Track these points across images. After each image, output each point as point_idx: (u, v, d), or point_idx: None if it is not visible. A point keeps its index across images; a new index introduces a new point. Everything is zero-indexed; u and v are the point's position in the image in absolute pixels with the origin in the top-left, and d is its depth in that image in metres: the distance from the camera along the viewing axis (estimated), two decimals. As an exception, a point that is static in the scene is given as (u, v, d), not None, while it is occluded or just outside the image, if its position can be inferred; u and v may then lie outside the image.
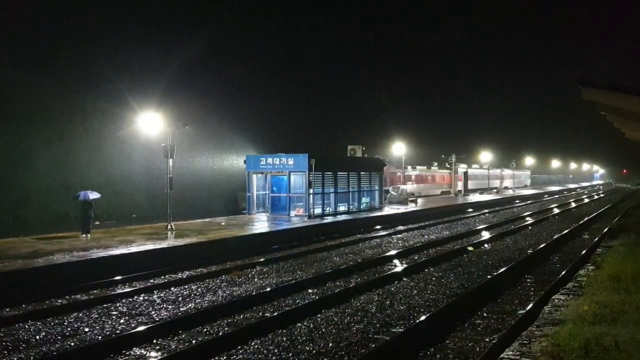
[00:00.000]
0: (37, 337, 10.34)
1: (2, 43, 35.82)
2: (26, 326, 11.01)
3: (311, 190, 28.49)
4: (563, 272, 15.58)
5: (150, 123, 23.10)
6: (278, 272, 16.54)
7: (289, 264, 17.93)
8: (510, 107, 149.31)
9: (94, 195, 20.74)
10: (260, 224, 25.47)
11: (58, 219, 33.42)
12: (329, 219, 28.16)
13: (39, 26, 38.26)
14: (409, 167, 52.00)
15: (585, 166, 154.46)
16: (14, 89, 35.41)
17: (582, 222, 31.46)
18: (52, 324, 11.18)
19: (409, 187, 48.12)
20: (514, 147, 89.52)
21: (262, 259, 18.56)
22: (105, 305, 12.59)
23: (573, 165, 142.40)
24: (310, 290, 13.99)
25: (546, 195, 69.25)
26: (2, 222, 31.47)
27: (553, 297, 11.16)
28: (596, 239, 23.13)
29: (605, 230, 26.15)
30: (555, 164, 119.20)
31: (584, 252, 19.45)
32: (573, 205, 50.06)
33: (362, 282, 14.82)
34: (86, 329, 10.84)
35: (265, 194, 30.43)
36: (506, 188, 73.22)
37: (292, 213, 28.83)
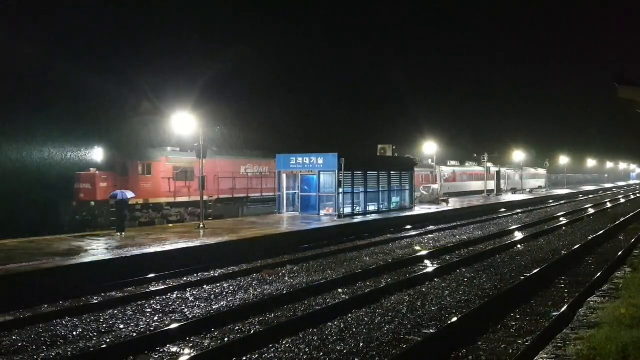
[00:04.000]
0: (74, 333, 10.60)
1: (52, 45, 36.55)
2: (63, 322, 11.29)
3: (341, 190, 28.49)
4: (598, 274, 15.26)
5: (184, 123, 23.44)
6: (308, 271, 16.61)
7: (319, 263, 17.98)
8: (545, 106, 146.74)
9: (129, 194, 21.25)
10: (290, 223, 25.59)
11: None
12: (358, 219, 28.13)
13: (85, 26, 39.01)
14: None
15: (622, 165, 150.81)
16: (61, 85, 35.99)
17: (617, 222, 30.73)
18: (89, 320, 11.45)
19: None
20: (548, 147, 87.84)
21: (292, 258, 18.67)
22: (139, 303, 12.83)
23: (609, 165, 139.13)
24: (340, 290, 14.01)
25: (580, 195, 67.87)
26: (40, 220, 32.19)
27: (588, 299, 10.97)
28: (633, 240, 22.60)
29: (643, 231, 25.52)
30: (591, 163, 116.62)
31: (620, 253, 19.00)
32: (608, 205, 48.94)
33: (392, 282, 14.77)
34: (121, 326, 11.07)
35: (295, 193, 30.55)
36: (514, 189, 64.02)
37: (322, 212, 28.89)
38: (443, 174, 52.81)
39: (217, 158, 30.60)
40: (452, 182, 54.56)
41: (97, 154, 27.24)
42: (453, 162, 57.05)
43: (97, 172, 26.03)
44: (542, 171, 77.92)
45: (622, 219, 32.50)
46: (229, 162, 31.75)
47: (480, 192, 57.20)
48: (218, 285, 14.65)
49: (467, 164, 59.15)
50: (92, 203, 25.25)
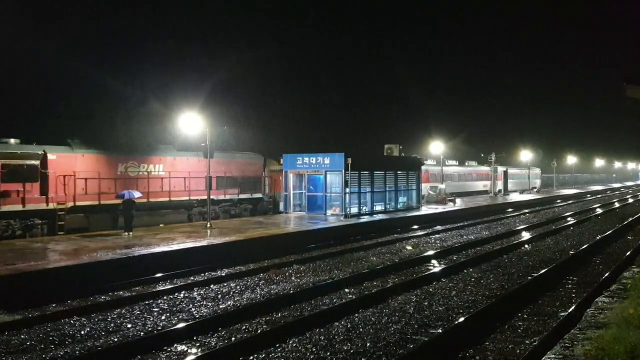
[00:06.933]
0: (82, 332, 10.64)
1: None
2: (71, 321, 11.34)
3: (347, 190, 28.48)
4: (606, 274, 15.19)
5: (191, 123, 23.52)
6: (315, 271, 16.61)
7: (325, 263, 17.98)
8: (552, 106, 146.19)
9: (137, 194, 21.40)
10: (297, 223, 25.60)
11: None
12: (365, 219, 28.11)
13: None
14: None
15: (630, 165, 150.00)
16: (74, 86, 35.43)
17: (625, 222, 30.55)
18: (96, 319, 11.49)
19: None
20: (556, 146, 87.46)
21: (299, 258, 18.68)
22: (147, 302, 12.88)
23: (617, 164, 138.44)
24: (347, 290, 14.00)
25: (588, 195, 67.55)
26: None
27: (596, 299, 10.90)
28: (641, 240, 22.47)
29: (651, 231, 25.35)
30: (598, 162, 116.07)
31: (628, 253, 18.91)
32: (616, 205, 48.67)
33: (399, 282, 14.75)
34: (129, 325, 11.11)
35: (302, 193, 30.57)
36: (507, 191, 60.12)
37: (329, 212, 28.90)
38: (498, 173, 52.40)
39: (79, 152, 23.39)
40: (426, 182, 52.87)
41: None
42: (429, 162, 55.41)
43: None
44: (537, 171, 77.28)
45: (630, 219, 32.30)
46: (100, 158, 24.00)
47: (478, 193, 56.72)
48: (225, 284, 14.68)
49: (447, 162, 58.15)
50: None
